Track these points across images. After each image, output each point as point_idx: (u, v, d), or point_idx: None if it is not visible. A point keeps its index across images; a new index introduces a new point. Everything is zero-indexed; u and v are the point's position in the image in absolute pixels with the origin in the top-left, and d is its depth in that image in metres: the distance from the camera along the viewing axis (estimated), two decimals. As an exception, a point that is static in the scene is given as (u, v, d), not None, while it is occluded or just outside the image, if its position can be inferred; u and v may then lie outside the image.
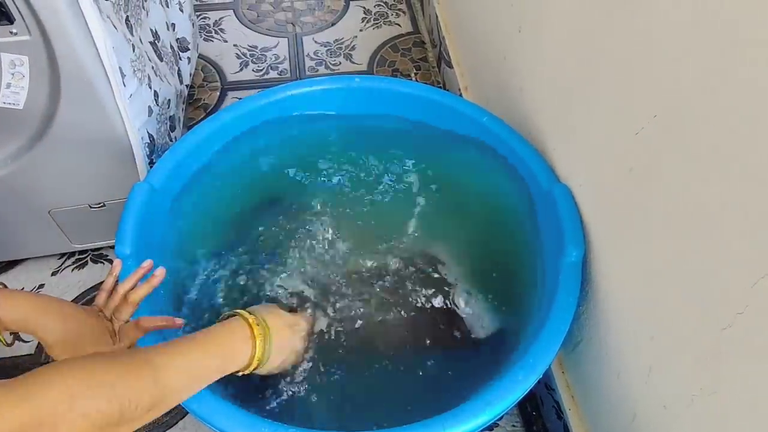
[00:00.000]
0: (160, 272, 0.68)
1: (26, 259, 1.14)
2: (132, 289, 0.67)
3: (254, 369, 0.65)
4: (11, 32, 0.73)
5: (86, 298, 1.09)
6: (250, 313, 0.67)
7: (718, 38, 0.47)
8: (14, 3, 0.70)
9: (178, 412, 0.96)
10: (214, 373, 0.58)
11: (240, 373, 0.65)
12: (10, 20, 0.72)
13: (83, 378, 0.45)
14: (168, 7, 1.21)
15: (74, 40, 0.75)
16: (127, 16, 0.92)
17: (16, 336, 0.64)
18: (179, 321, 0.67)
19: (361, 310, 0.83)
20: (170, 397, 0.51)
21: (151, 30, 1.07)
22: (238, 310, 0.67)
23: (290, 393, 0.75)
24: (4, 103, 0.79)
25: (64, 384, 0.43)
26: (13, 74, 0.77)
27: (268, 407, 0.74)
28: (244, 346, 0.63)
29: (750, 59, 0.43)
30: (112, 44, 0.80)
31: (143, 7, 1.03)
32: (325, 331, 0.80)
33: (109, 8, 0.83)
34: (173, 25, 1.24)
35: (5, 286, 0.63)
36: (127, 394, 0.46)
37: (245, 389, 0.74)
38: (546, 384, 0.91)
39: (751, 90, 0.44)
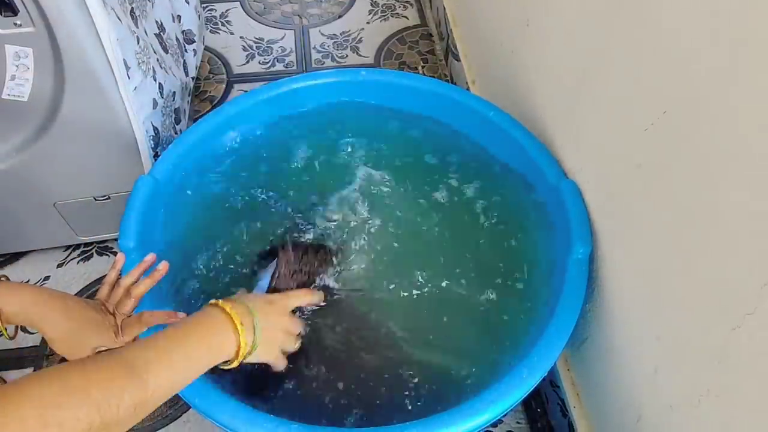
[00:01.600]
0: (163, 266, 0.68)
1: (32, 251, 1.14)
2: (135, 283, 0.67)
3: (243, 358, 0.61)
4: (15, 24, 0.73)
5: (91, 290, 1.09)
6: (229, 300, 0.62)
7: (729, 33, 0.46)
8: (18, -6, 0.69)
9: (181, 406, 0.96)
10: (197, 365, 0.56)
11: (228, 366, 0.60)
12: (14, 12, 0.71)
13: (56, 387, 0.43)
14: (174, -2, 1.20)
15: (78, 32, 0.75)
16: (132, 8, 0.92)
17: (22, 328, 0.64)
18: (182, 315, 0.67)
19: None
20: (155, 394, 0.49)
21: (157, 22, 1.07)
22: (215, 301, 0.62)
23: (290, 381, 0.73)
24: (9, 95, 0.79)
25: (37, 396, 0.42)
26: (17, 66, 0.77)
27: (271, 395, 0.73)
28: (227, 335, 0.59)
29: (762, 56, 0.42)
30: (117, 36, 0.79)
31: (148, -1, 1.02)
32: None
33: (114, 0, 0.83)
34: (179, 17, 1.24)
35: (8, 279, 0.63)
36: (104, 396, 0.44)
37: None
38: (551, 381, 0.90)
39: (763, 87, 0.43)
